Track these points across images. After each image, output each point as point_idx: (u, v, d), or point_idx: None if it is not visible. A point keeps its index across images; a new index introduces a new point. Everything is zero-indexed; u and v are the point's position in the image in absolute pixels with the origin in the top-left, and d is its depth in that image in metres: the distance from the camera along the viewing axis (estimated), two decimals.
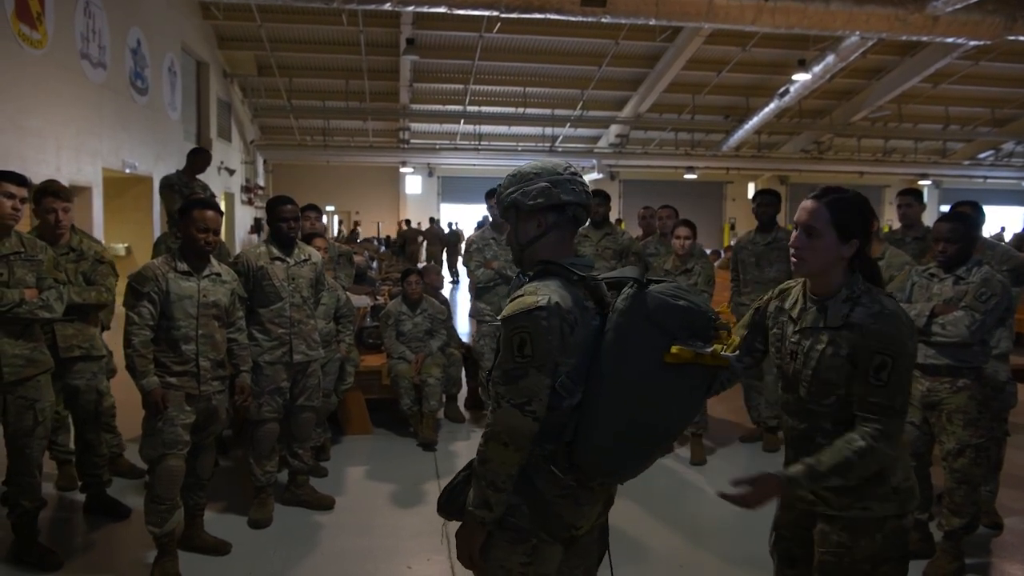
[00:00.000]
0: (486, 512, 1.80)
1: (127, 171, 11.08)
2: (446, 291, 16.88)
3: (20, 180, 3.27)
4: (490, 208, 5.63)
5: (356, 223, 22.43)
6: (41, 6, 8.44)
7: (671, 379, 1.73)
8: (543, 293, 1.76)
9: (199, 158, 6.09)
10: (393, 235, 21.06)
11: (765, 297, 2.24)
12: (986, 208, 4.45)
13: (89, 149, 9.74)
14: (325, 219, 20.42)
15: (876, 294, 1.93)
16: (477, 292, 5.57)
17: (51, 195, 3.76)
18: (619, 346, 1.75)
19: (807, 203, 1.98)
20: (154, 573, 3.24)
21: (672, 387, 1.74)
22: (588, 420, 1.76)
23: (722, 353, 1.73)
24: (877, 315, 1.88)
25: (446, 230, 19.64)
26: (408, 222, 20.45)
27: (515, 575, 1.84)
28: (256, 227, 19.00)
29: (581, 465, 1.79)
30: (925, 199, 5.15)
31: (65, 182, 7.64)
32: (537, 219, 1.88)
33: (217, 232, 3.36)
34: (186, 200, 3.52)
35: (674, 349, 1.70)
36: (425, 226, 19.93)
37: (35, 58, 8.35)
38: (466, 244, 5.72)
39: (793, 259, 2.01)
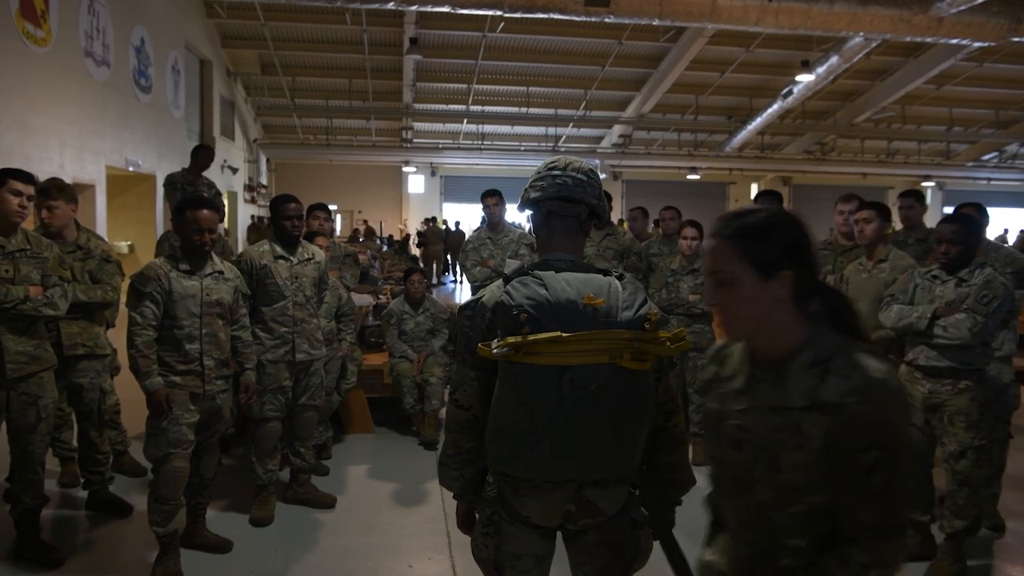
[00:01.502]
0: (442, 484, 2.02)
1: (130, 169, 11.10)
2: (448, 290, 16.95)
3: (27, 178, 3.29)
4: (485, 208, 5.63)
5: (356, 228, 22.31)
6: (45, 4, 8.46)
7: (517, 377, 1.72)
8: (479, 295, 1.91)
9: (202, 155, 6.10)
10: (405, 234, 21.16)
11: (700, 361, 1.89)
12: (990, 210, 4.44)
13: (92, 147, 9.76)
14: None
15: (853, 353, 1.35)
16: (474, 291, 5.58)
17: (58, 191, 3.77)
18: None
19: (707, 243, 1.50)
20: (156, 571, 3.24)
21: (523, 385, 1.72)
22: (490, 412, 1.85)
23: (492, 350, 1.70)
24: (860, 390, 1.30)
25: (453, 229, 19.64)
26: (434, 220, 20.29)
27: (479, 546, 1.96)
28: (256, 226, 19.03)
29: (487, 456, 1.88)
30: (928, 201, 5.14)
31: (68, 180, 7.65)
32: (532, 219, 2.01)
33: (213, 231, 3.35)
34: (182, 199, 3.52)
35: (479, 347, 1.74)
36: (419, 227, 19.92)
37: (39, 56, 8.36)
38: (464, 243, 5.74)
39: (718, 321, 1.50)
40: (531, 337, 1.67)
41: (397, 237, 21.32)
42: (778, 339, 1.41)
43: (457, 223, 20.28)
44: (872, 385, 1.30)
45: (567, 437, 1.73)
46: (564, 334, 1.68)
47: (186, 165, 6.23)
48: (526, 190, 1.97)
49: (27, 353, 3.26)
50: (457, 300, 14.09)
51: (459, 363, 1.91)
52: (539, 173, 1.96)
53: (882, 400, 1.30)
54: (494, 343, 1.73)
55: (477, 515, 2.01)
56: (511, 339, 1.68)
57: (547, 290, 1.73)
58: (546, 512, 1.87)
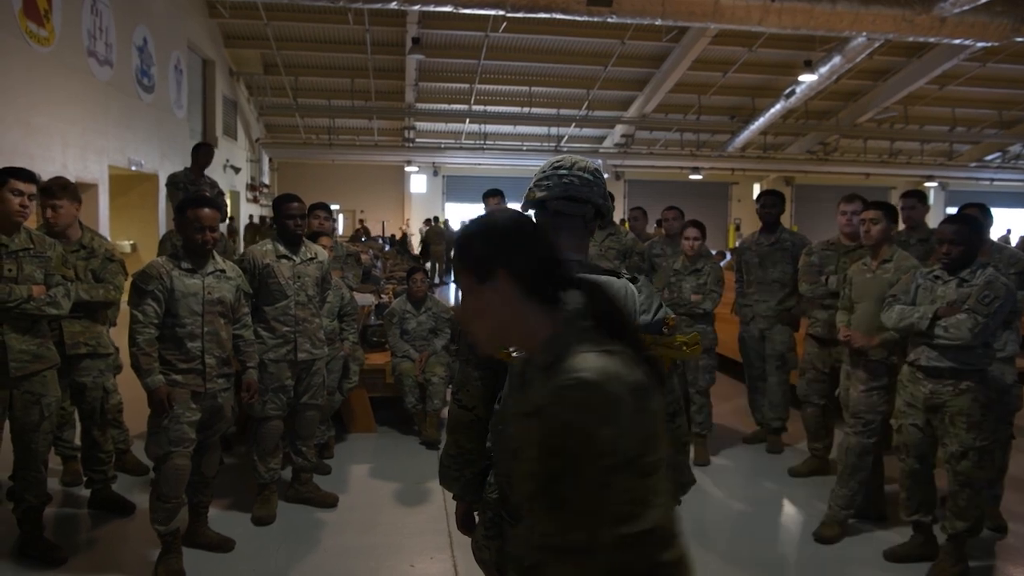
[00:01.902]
0: (442, 484, 2.02)
1: (133, 168, 11.12)
2: (453, 289, 16.95)
3: (28, 176, 3.29)
4: (487, 208, 5.64)
5: (358, 228, 22.20)
6: (49, 4, 8.47)
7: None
8: None
9: (201, 153, 6.12)
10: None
11: None
12: (992, 210, 4.43)
13: (95, 147, 9.77)
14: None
15: (583, 353, 1.17)
16: None
17: (60, 189, 3.77)
18: None
19: None
20: (158, 570, 3.25)
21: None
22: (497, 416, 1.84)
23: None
24: (557, 390, 1.14)
25: (456, 228, 19.63)
26: (436, 219, 20.21)
27: (481, 547, 1.95)
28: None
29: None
30: (931, 201, 5.15)
31: (71, 179, 7.68)
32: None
33: (214, 229, 3.36)
34: (184, 199, 3.53)
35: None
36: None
37: (42, 56, 8.38)
38: None
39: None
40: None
41: (399, 236, 21.33)
42: (526, 342, 1.31)
43: (463, 222, 20.19)
44: (571, 385, 1.13)
45: None
46: None
47: (188, 164, 6.24)
48: (530, 189, 1.94)
49: (30, 352, 3.26)
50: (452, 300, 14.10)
51: (462, 363, 1.90)
52: (544, 172, 1.93)
53: (577, 401, 1.12)
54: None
55: (477, 516, 2.01)
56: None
57: None
58: None
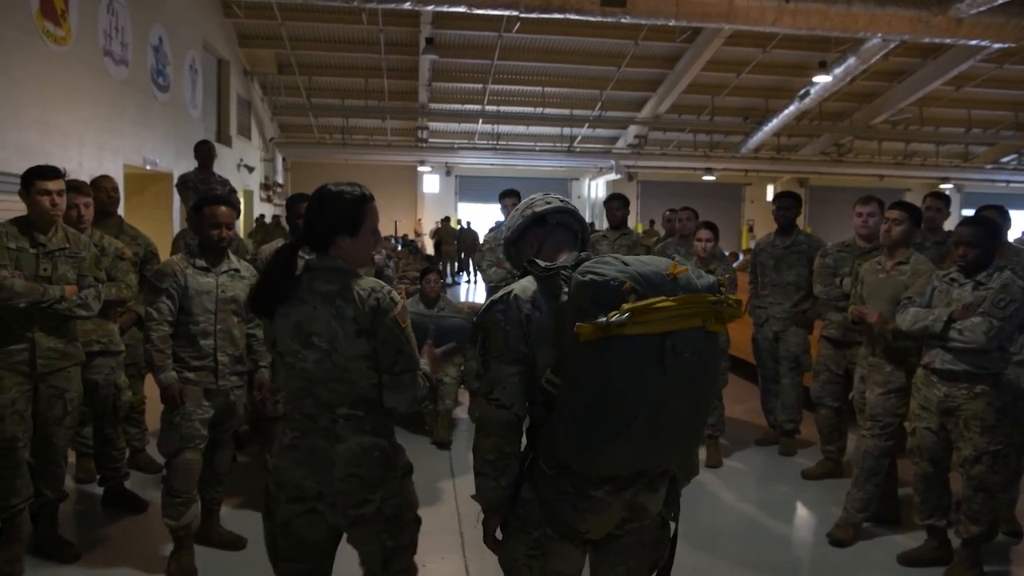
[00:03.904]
0: (479, 497, 1.95)
1: (148, 168, 11.18)
2: (461, 289, 16.97)
3: (54, 174, 3.29)
4: (503, 209, 5.65)
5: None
6: (65, 3, 8.53)
7: (617, 354, 1.65)
8: (507, 289, 1.89)
9: (199, 153, 6.21)
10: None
11: None
12: (1010, 213, 4.39)
13: (111, 145, 9.84)
14: None
15: None
16: (489, 291, 5.61)
17: (71, 191, 3.79)
18: (559, 332, 1.79)
19: None
20: (170, 566, 3.27)
21: (623, 361, 1.66)
22: (556, 409, 1.78)
23: (613, 319, 1.62)
24: None
25: (466, 228, 19.64)
26: (447, 220, 20.12)
27: (520, 566, 1.93)
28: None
29: (558, 456, 1.81)
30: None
31: (87, 177, 7.73)
32: (528, 241, 2.04)
33: (230, 227, 3.38)
34: (201, 197, 3.55)
35: (577, 327, 1.65)
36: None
37: (59, 55, 8.44)
38: (480, 244, 5.79)
39: None
40: (642, 303, 1.64)
41: (412, 236, 21.34)
42: None
43: (468, 223, 20.24)
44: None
45: (658, 414, 1.71)
46: (669, 299, 1.68)
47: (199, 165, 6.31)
48: (522, 212, 2.05)
49: (57, 350, 3.31)
50: (461, 300, 14.08)
51: (494, 360, 1.85)
52: (533, 199, 2.07)
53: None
54: (600, 317, 1.64)
55: (511, 533, 1.95)
56: (627, 305, 1.63)
57: (628, 266, 1.71)
58: (603, 523, 1.87)
